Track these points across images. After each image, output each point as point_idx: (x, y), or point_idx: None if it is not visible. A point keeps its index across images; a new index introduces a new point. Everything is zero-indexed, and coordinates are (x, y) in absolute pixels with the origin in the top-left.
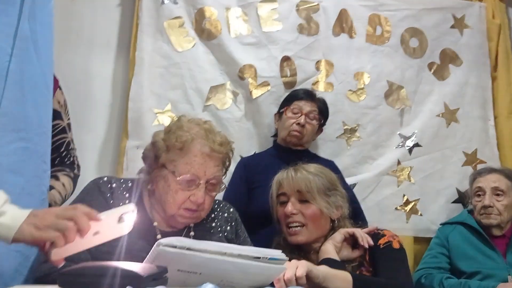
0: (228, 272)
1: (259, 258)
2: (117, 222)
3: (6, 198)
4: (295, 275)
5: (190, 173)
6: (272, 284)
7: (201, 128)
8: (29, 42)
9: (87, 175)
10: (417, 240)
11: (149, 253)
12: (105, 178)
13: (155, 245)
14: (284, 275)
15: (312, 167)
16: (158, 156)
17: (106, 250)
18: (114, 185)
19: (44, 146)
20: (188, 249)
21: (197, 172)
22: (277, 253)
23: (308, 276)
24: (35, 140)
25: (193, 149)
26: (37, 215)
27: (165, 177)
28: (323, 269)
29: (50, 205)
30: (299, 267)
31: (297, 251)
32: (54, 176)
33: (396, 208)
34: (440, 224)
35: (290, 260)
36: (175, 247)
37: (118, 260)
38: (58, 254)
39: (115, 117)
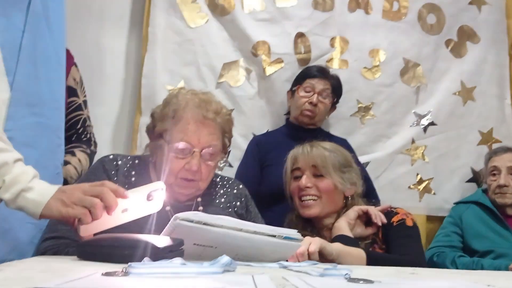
0: (243, 248)
1: (274, 236)
2: (146, 200)
3: (35, 173)
4: (308, 250)
5: (183, 140)
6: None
7: (196, 97)
8: (41, 17)
9: (101, 151)
10: (429, 218)
11: (166, 227)
12: (111, 156)
13: (172, 219)
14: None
15: (328, 144)
16: (155, 126)
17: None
18: (120, 162)
19: (58, 121)
20: (205, 224)
21: (190, 140)
22: (293, 232)
23: (322, 253)
24: (48, 115)
25: (185, 117)
26: (65, 191)
27: (161, 146)
28: (337, 246)
29: (65, 180)
30: (312, 243)
31: (309, 227)
32: (71, 152)
33: (409, 187)
34: (454, 203)
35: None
36: (192, 221)
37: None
38: (87, 231)
39: (129, 93)
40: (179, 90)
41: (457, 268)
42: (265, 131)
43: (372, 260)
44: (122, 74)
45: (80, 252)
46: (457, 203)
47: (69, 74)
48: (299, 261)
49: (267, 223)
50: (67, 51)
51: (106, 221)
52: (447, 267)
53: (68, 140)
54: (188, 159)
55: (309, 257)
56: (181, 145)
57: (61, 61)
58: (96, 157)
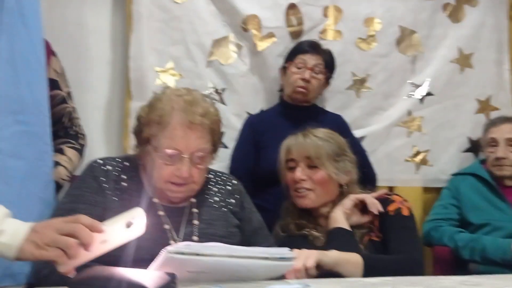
0: (237, 271)
1: (267, 258)
2: (125, 228)
3: (6, 212)
4: (305, 265)
5: (171, 147)
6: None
7: (182, 100)
8: (16, 14)
9: (94, 138)
10: (426, 189)
11: (157, 259)
12: (100, 161)
13: (162, 252)
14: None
15: (321, 132)
16: (142, 131)
17: None
18: (109, 167)
19: (43, 127)
20: (197, 254)
21: (178, 146)
22: (286, 252)
23: (319, 265)
24: (33, 122)
25: (172, 122)
26: (37, 230)
27: (149, 152)
28: (333, 255)
29: (57, 183)
30: (309, 258)
31: (306, 216)
32: (59, 150)
33: (406, 160)
34: (451, 174)
35: (300, 226)
36: (183, 253)
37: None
38: (65, 267)
39: (117, 76)
40: (163, 91)
41: (456, 244)
42: (259, 108)
43: (369, 265)
44: (109, 56)
45: None
46: (454, 175)
47: (49, 66)
48: (296, 278)
49: (263, 206)
50: (45, 42)
51: (85, 255)
52: (444, 243)
53: (55, 135)
54: (178, 165)
55: (306, 271)
56: (169, 151)
57: (40, 61)
58: (90, 144)
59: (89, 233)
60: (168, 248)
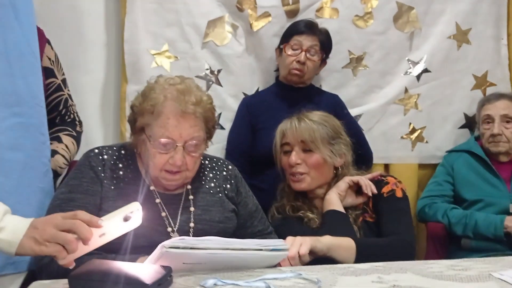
0: (232, 262)
1: (261, 249)
2: (123, 221)
3: (6, 209)
4: (299, 253)
5: (164, 136)
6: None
7: (175, 89)
8: (8, 8)
9: (91, 122)
10: (422, 166)
11: (153, 253)
12: (96, 150)
13: (158, 247)
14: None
15: (316, 115)
16: (136, 120)
17: None
18: (105, 156)
19: (39, 117)
20: (192, 248)
21: (171, 135)
22: (279, 243)
23: (313, 251)
24: (29, 113)
25: (165, 112)
26: (37, 227)
27: (144, 141)
28: (327, 241)
29: (55, 172)
30: (302, 245)
31: (301, 198)
32: (56, 138)
33: (402, 137)
34: (446, 151)
35: (295, 208)
36: (178, 247)
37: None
38: (65, 260)
39: (112, 59)
40: (156, 80)
41: (449, 220)
42: (255, 89)
43: (362, 249)
44: (104, 39)
45: (72, 284)
46: (449, 151)
47: (43, 54)
48: (291, 265)
49: (260, 186)
50: (38, 30)
51: (84, 248)
52: (438, 220)
53: (52, 122)
54: (172, 153)
55: (300, 258)
56: (163, 141)
57: (34, 52)
58: (87, 127)
59: (87, 229)
60: (164, 243)
